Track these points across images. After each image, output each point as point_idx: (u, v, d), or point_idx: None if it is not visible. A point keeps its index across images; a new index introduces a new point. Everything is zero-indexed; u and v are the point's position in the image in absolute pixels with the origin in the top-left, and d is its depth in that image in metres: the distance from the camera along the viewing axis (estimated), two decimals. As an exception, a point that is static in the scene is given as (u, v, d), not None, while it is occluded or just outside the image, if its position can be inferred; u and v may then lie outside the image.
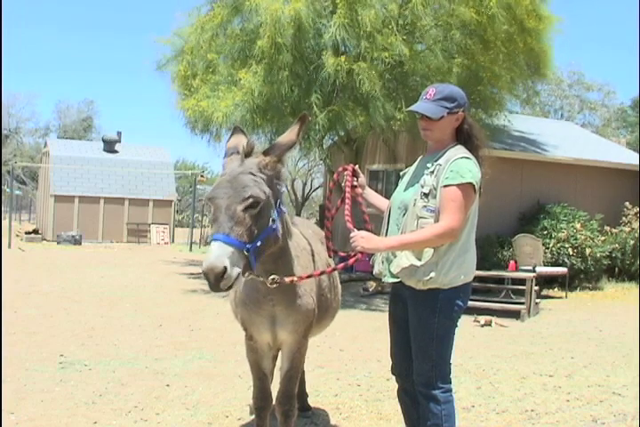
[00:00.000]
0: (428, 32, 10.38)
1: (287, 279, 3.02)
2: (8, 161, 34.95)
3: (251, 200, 2.70)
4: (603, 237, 12.95)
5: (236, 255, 2.64)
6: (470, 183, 2.93)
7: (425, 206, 2.97)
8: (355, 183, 3.29)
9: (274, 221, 2.85)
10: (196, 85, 11.22)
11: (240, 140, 3.02)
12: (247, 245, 2.68)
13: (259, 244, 2.74)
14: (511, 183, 12.65)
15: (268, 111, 10.39)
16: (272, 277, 2.98)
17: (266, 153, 2.90)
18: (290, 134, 2.94)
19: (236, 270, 2.64)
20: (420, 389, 3.06)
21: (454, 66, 10.54)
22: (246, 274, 2.78)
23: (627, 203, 14.01)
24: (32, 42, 71.75)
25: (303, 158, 26.73)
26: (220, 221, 2.68)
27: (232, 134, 3.15)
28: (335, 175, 3.37)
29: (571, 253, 12.23)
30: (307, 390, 4.54)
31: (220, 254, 2.59)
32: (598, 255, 12.55)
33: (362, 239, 2.92)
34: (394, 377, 3.35)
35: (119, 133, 25.55)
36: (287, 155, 2.96)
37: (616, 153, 16.54)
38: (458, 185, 2.91)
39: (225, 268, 2.58)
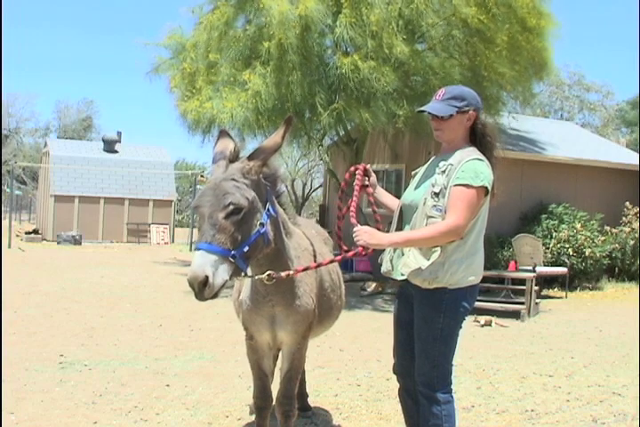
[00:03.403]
0: (430, 31, 10.38)
1: (283, 274, 3.02)
2: (8, 161, 34.93)
3: (231, 207, 2.69)
4: (603, 238, 12.95)
5: (221, 263, 2.64)
6: (482, 186, 2.92)
7: (435, 206, 2.96)
8: (366, 183, 3.29)
9: (262, 224, 2.83)
10: (198, 86, 11.21)
11: (227, 145, 3.00)
12: (232, 252, 2.67)
13: (245, 249, 2.74)
14: (511, 183, 12.65)
15: (273, 112, 10.38)
16: (267, 272, 2.98)
17: (250, 158, 2.87)
18: (275, 137, 2.91)
19: (220, 278, 2.63)
20: (421, 389, 3.06)
21: (456, 65, 10.54)
22: (239, 277, 2.79)
23: (627, 203, 14.01)
24: (32, 42, 71.86)
25: (303, 158, 26.77)
26: (204, 229, 2.68)
27: (218, 138, 3.11)
28: (347, 175, 3.34)
29: (571, 253, 12.23)
30: (307, 391, 4.54)
31: (201, 263, 2.60)
32: (598, 255, 12.56)
33: (365, 234, 2.91)
34: (394, 377, 3.35)
35: (119, 133, 25.53)
36: (272, 158, 2.93)
37: (616, 153, 16.53)
38: (468, 186, 2.90)
39: (207, 277, 2.58)
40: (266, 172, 2.93)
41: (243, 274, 2.80)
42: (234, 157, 2.87)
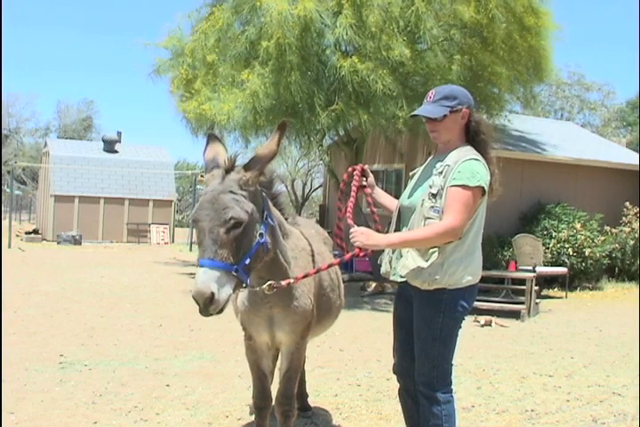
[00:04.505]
0: (429, 32, 10.38)
1: (284, 283, 3.00)
2: (8, 161, 34.94)
3: (232, 222, 2.64)
4: (603, 237, 12.95)
5: (224, 278, 2.61)
6: (478, 186, 2.92)
7: (432, 207, 2.96)
8: (364, 183, 3.29)
9: (261, 235, 2.81)
10: (196, 87, 11.21)
11: (217, 151, 2.94)
12: (235, 266, 2.65)
13: (247, 261, 2.72)
14: (511, 183, 12.64)
15: (270, 112, 10.37)
16: (268, 283, 2.97)
17: (247, 168, 2.79)
18: (270, 144, 2.83)
19: (225, 294, 2.62)
20: (421, 389, 3.06)
21: (454, 65, 10.54)
22: (241, 289, 2.78)
23: (627, 203, 14.01)
24: (32, 42, 71.85)
25: (303, 158, 26.77)
26: (205, 244, 2.64)
27: (207, 143, 3.02)
28: (345, 176, 3.34)
29: (571, 253, 12.23)
30: (307, 390, 4.54)
31: (206, 280, 2.57)
32: (598, 255, 12.56)
33: (361, 235, 2.91)
34: (394, 377, 3.35)
35: (119, 133, 25.53)
36: (269, 166, 2.87)
37: (616, 153, 16.53)
38: (465, 186, 2.90)
39: (212, 293, 2.57)
40: (262, 180, 2.88)
41: (244, 285, 2.78)
42: (230, 167, 2.78)
